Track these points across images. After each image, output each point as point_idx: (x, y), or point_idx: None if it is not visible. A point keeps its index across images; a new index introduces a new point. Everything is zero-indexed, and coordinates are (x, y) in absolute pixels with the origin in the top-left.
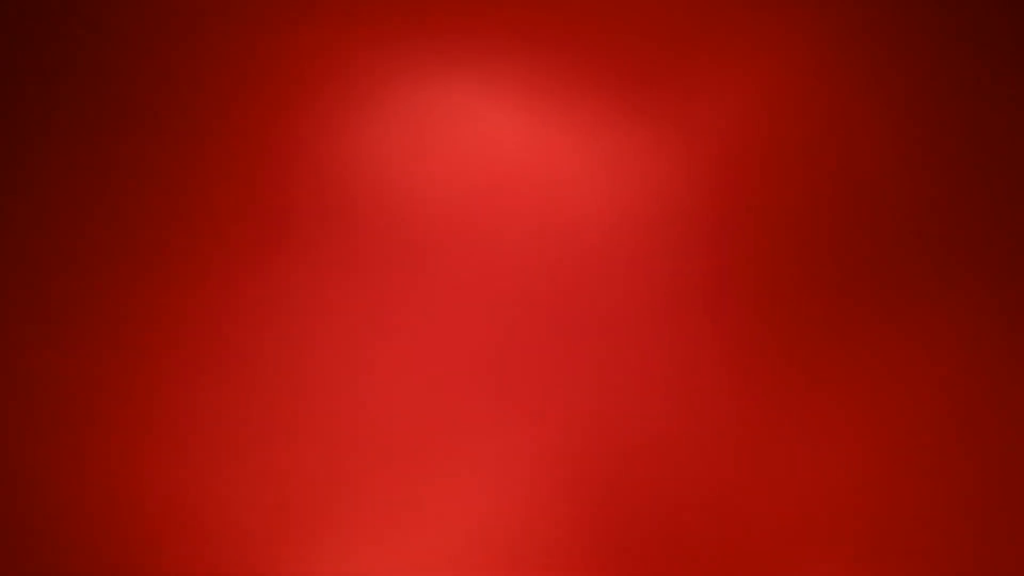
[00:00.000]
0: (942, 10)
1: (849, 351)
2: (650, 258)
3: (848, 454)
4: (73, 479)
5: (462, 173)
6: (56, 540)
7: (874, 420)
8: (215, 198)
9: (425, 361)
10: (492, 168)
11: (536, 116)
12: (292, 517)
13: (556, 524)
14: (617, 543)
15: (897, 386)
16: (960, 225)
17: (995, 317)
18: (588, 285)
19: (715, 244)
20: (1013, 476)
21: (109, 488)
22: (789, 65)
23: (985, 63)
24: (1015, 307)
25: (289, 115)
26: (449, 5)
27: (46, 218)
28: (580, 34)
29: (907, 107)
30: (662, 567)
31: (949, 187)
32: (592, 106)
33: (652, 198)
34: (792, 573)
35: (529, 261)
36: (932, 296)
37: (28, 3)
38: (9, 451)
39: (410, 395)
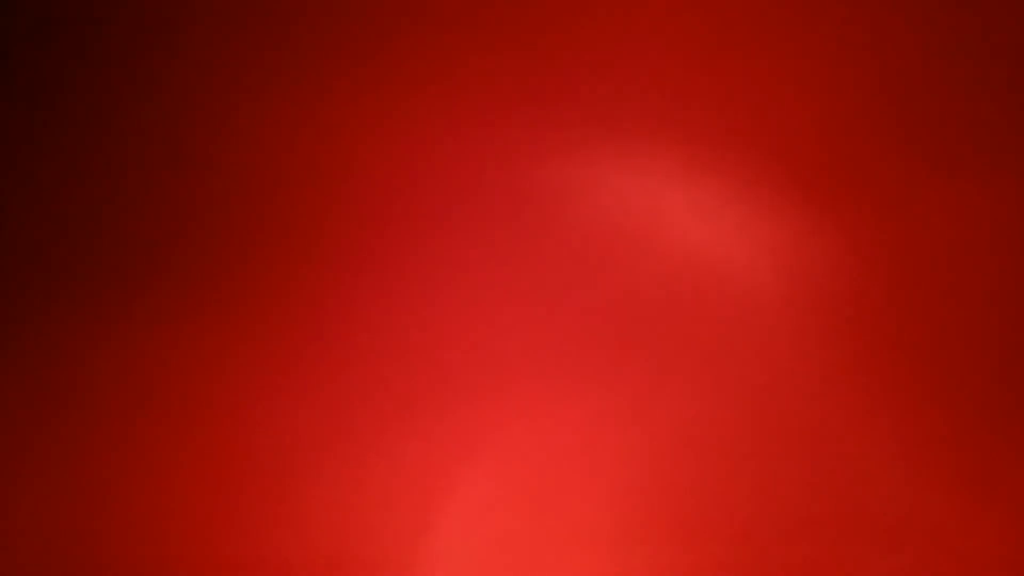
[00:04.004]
0: None
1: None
2: (813, 338)
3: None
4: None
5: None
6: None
7: None
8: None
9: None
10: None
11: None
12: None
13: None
14: None
15: None
16: None
17: None
18: (752, 360)
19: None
20: None
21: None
22: (985, 191)
23: None
24: None
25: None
26: (627, 104)
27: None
28: (756, 131)
29: None
30: None
31: None
32: (764, 199)
33: (817, 287)
34: None
35: (688, 327)
36: None
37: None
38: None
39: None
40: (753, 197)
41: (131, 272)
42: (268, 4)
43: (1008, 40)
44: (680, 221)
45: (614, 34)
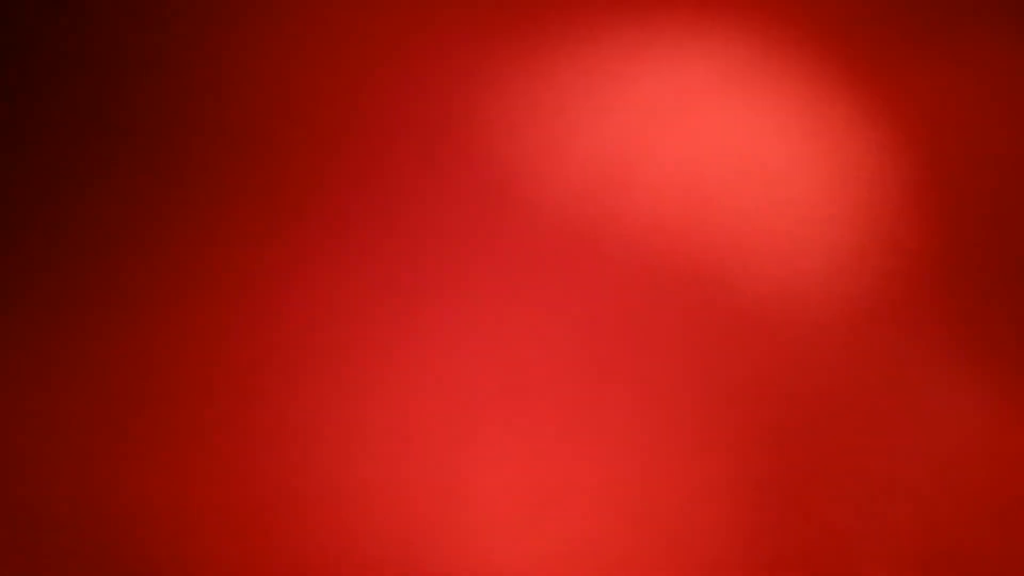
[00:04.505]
0: None
1: None
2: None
3: None
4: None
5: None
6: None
7: None
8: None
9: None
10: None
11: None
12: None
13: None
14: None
15: None
16: None
17: None
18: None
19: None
20: None
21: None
22: None
23: None
24: None
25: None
26: None
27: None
28: (818, 22)
29: None
30: None
31: None
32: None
33: (883, 202)
34: None
35: (744, 270)
36: None
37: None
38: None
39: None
40: (774, 72)
41: (128, 199)
42: None
43: None
44: (698, 103)
45: None
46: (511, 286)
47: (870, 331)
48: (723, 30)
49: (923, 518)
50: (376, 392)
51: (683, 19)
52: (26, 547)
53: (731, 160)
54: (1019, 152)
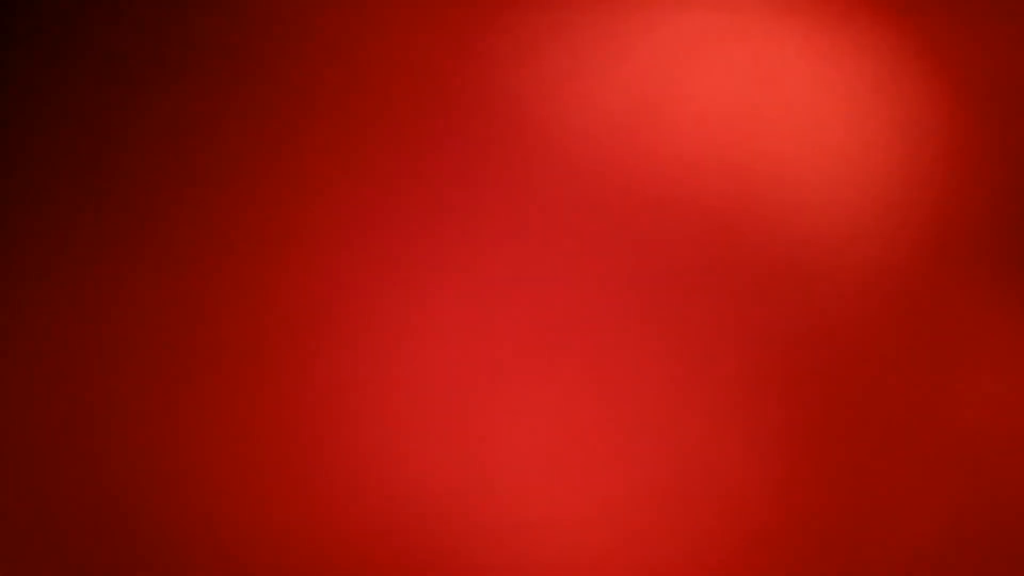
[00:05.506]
0: None
1: None
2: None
3: None
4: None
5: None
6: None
7: None
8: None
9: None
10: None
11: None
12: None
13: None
14: None
15: None
16: None
17: None
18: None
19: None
20: None
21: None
22: None
23: None
24: None
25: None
26: None
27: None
28: None
29: None
30: None
31: None
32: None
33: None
34: None
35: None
36: None
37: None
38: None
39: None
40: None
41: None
42: None
43: None
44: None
45: None
46: (536, 232)
47: (913, 279)
48: None
49: (962, 476)
50: (401, 344)
51: None
52: (40, 526)
53: (764, 101)
54: None
